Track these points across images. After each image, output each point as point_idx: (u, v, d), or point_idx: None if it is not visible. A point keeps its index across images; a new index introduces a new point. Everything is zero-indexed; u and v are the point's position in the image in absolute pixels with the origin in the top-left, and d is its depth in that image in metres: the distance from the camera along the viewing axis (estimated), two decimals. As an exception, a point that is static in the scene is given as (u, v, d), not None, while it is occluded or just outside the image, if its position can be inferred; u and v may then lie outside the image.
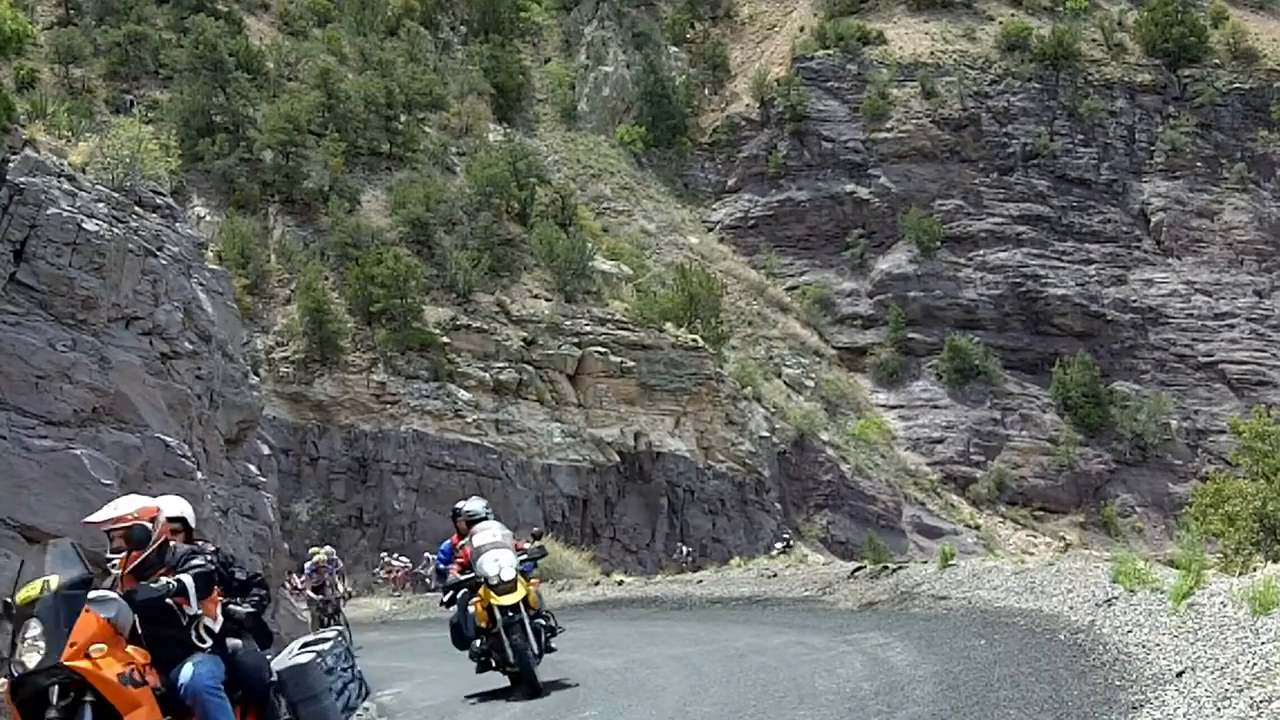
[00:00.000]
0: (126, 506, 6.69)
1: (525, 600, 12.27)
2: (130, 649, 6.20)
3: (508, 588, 12.08)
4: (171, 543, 6.76)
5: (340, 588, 22.26)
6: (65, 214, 12.28)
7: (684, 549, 37.12)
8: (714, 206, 61.38)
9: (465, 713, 12.37)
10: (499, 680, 12.77)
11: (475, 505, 13.47)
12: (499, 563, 12.18)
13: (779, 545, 36.32)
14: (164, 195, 15.04)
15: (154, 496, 7.04)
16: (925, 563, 18.35)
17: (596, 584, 26.04)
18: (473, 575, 12.39)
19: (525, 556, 12.68)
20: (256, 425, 15.95)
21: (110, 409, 12.05)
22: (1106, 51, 64.57)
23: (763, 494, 44.53)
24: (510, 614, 12.00)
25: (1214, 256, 58.59)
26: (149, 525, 6.60)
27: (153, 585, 6.39)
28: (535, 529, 16.07)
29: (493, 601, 12.13)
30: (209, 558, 6.73)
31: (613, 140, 61.70)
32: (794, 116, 61.59)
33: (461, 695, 13.01)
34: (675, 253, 55.85)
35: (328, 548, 24.69)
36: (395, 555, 35.64)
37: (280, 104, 46.60)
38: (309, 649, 7.35)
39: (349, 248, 42.54)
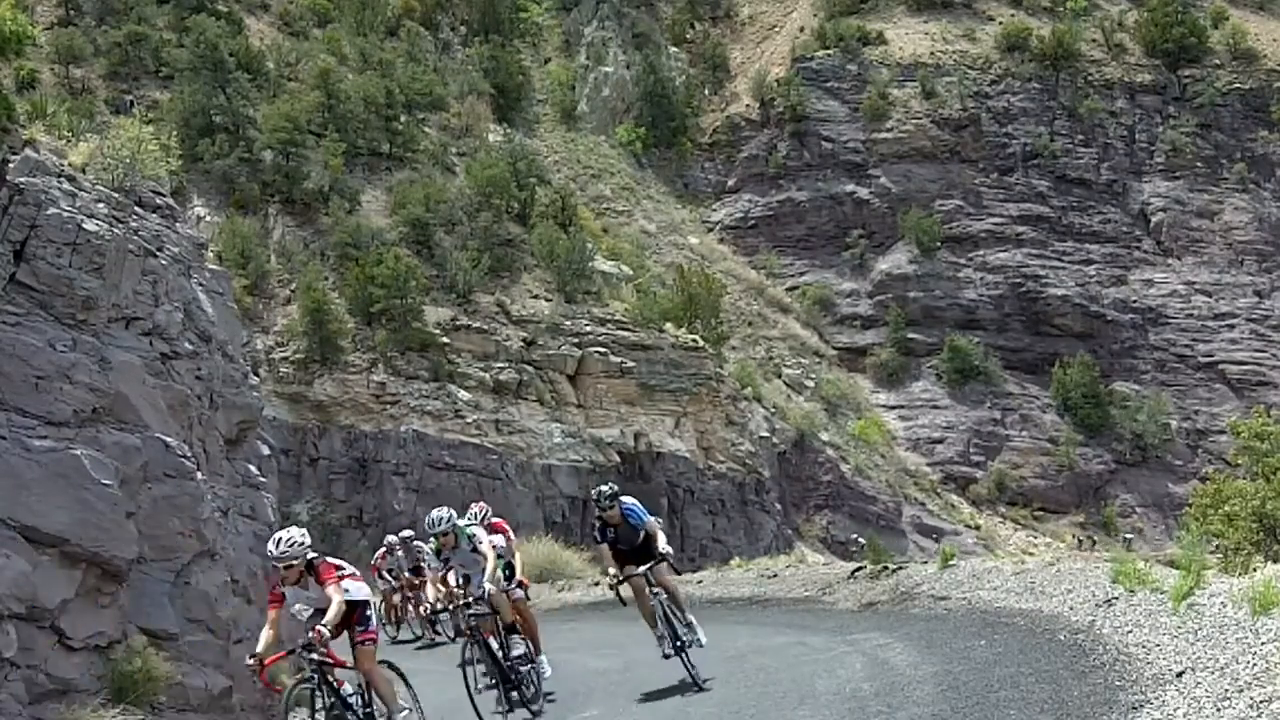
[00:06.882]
0: None
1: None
2: None
3: None
4: None
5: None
6: (65, 214, 12.28)
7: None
8: (714, 207, 61.31)
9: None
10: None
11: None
12: None
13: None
14: (164, 196, 15.02)
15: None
16: (925, 563, 18.35)
17: (596, 584, 26.01)
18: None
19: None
20: (256, 426, 15.93)
21: (110, 409, 12.04)
22: (1106, 52, 64.48)
23: (763, 494, 44.51)
24: None
25: (1214, 257, 58.53)
26: None
27: None
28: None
29: None
30: None
31: (613, 141, 61.63)
32: (794, 117, 61.52)
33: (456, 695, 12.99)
34: (675, 253, 55.81)
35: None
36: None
37: (280, 104, 46.56)
38: None
39: (349, 248, 42.52)
